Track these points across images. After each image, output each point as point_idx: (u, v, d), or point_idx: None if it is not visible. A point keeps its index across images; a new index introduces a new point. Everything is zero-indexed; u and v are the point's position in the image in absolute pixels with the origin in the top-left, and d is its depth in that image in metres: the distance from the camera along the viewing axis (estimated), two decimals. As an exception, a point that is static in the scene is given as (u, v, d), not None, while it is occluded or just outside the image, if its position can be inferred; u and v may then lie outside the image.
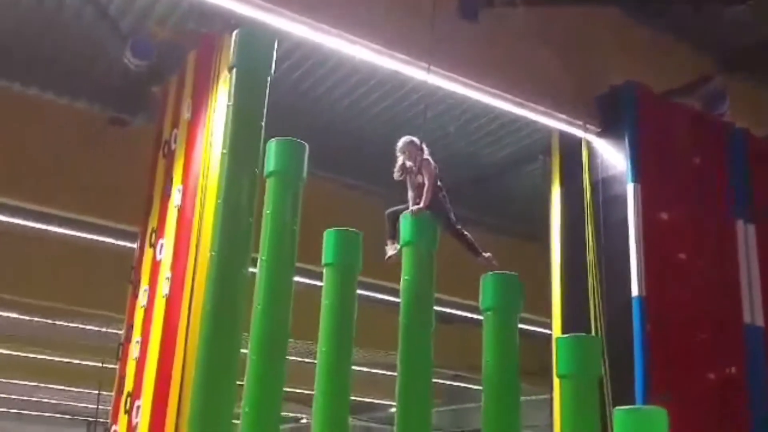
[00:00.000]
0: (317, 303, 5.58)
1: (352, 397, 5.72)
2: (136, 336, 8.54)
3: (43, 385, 23.28)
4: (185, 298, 7.50)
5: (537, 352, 9.20)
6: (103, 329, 15.97)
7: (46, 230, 11.79)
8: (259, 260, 4.92)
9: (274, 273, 4.89)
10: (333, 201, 11.00)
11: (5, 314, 16.02)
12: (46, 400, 25.82)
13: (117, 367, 9.16)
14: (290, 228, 4.97)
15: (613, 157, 9.22)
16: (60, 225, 11.62)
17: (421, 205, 6.07)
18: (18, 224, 11.56)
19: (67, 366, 20.46)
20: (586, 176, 9.20)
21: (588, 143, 9.38)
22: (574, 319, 8.80)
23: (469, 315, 13.07)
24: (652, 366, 8.26)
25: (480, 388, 5.68)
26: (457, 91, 8.76)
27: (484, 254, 6.38)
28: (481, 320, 5.77)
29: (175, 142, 8.87)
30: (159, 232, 8.67)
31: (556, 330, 9.05)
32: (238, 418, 4.60)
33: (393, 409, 5.84)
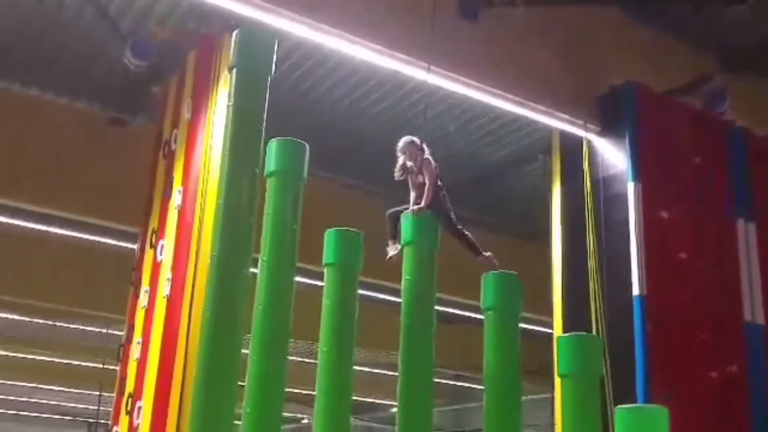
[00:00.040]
0: (318, 303, 5.58)
1: (354, 397, 5.72)
2: (137, 337, 8.54)
3: (43, 386, 23.27)
4: (186, 299, 7.50)
5: (538, 351, 9.20)
6: (104, 330, 15.96)
7: (46, 231, 11.79)
8: (260, 260, 4.92)
9: (274, 273, 4.89)
10: (333, 201, 10.99)
11: (6, 316, 16.02)
12: (46, 402, 25.80)
13: (118, 368, 9.16)
14: (291, 228, 4.97)
15: (613, 156, 9.22)
16: (60, 226, 11.61)
17: (422, 204, 6.07)
18: (18, 225, 11.56)
19: (67, 367, 20.46)
20: (586, 176, 9.20)
21: (588, 143, 9.38)
22: (575, 318, 8.81)
23: (471, 314, 13.06)
24: (653, 365, 8.27)
25: (482, 387, 5.68)
26: (457, 91, 8.76)
27: (484, 254, 6.38)
28: (482, 320, 5.77)
29: (175, 142, 8.87)
30: (160, 232, 8.67)
31: (557, 329, 9.05)
32: (239, 419, 4.60)
33: (394, 409, 5.84)
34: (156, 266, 8.53)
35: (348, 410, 5.50)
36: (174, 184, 8.52)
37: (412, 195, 6.29)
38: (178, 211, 8.24)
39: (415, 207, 6.09)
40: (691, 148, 9.52)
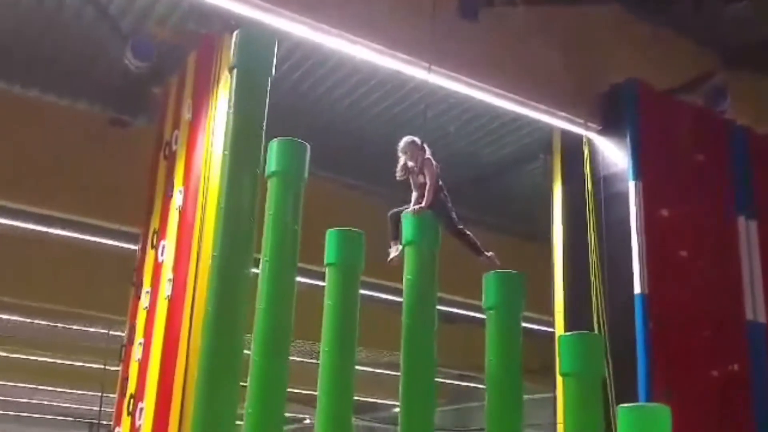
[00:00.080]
0: (319, 303, 5.58)
1: (355, 397, 5.72)
2: (139, 338, 8.55)
3: (45, 387, 23.26)
4: (187, 300, 7.50)
5: (540, 350, 9.21)
6: (105, 331, 15.96)
7: (47, 232, 11.78)
8: (261, 261, 4.92)
9: (276, 273, 4.89)
10: (333, 201, 10.99)
11: (7, 317, 16.01)
12: (48, 403, 25.80)
13: (120, 368, 9.16)
14: (292, 228, 4.97)
15: (614, 154, 9.22)
16: (61, 227, 11.61)
17: (423, 204, 6.07)
18: (19, 227, 11.56)
19: (69, 368, 20.46)
20: (587, 174, 9.19)
21: (589, 141, 9.38)
22: (577, 317, 8.81)
23: (472, 314, 13.05)
24: (655, 363, 8.27)
25: (484, 387, 5.67)
26: (457, 91, 8.76)
27: (486, 253, 6.37)
28: (483, 319, 5.77)
29: (176, 143, 8.87)
30: (161, 233, 8.67)
31: (559, 328, 9.05)
32: (241, 419, 4.60)
33: (396, 409, 5.83)
34: (157, 267, 8.53)
35: (350, 410, 5.50)
36: (175, 185, 8.53)
37: (414, 195, 6.28)
38: (180, 211, 8.24)
39: (416, 207, 6.08)
40: (692, 146, 9.52)
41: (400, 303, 5.84)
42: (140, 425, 7.88)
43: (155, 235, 8.85)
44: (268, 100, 4.99)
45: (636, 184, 8.86)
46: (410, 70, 8.30)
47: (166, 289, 8.06)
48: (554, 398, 8.40)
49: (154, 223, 9.00)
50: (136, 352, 8.50)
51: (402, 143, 6.42)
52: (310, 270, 7.69)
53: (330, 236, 5.69)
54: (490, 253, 6.38)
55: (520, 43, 9.02)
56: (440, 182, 6.30)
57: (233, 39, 5.08)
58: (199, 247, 7.52)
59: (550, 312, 9.33)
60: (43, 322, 16.33)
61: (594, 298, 8.64)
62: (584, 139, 9.36)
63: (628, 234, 8.71)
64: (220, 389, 4.42)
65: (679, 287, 8.84)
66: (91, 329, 16.56)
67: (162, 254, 8.46)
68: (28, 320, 16.19)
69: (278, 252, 4.91)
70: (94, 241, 12.16)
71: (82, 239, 12.09)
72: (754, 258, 9.57)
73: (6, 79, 9.87)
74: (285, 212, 4.99)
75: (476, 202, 11.36)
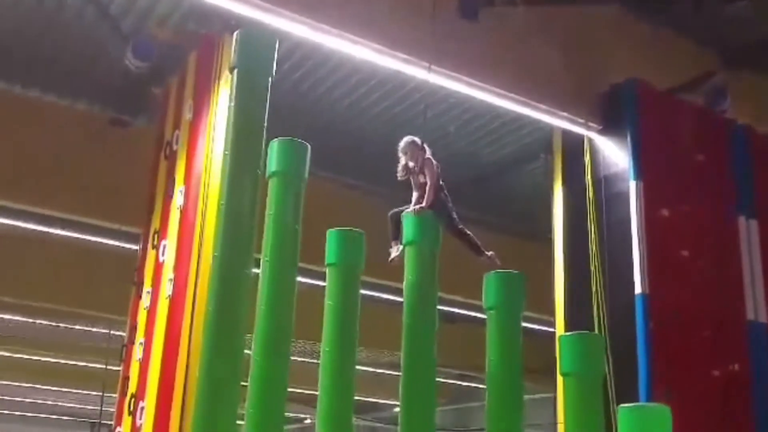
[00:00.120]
0: (320, 303, 5.58)
1: (356, 397, 5.72)
2: (140, 337, 8.55)
3: (46, 387, 23.28)
4: (188, 300, 7.51)
5: (540, 350, 9.19)
6: (107, 331, 15.97)
7: (47, 233, 11.78)
8: (261, 261, 4.92)
9: (276, 273, 4.89)
10: (333, 201, 10.99)
11: (7, 317, 16.02)
12: (49, 402, 25.81)
13: (121, 368, 9.17)
14: (292, 228, 4.97)
15: (615, 154, 9.21)
16: (61, 227, 11.61)
17: (423, 204, 6.07)
18: (19, 227, 11.56)
19: (70, 368, 20.47)
20: (588, 174, 9.20)
21: (590, 141, 9.38)
22: (577, 317, 8.80)
23: (473, 314, 13.05)
24: (656, 363, 8.26)
25: (484, 387, 5.67)
26: (458, 91, 8.76)
27: (486, 253, 6.37)
28: (484, 319, 5.77)
29: (176, 143, 8.87)
30: (162, 233, 8.68)
31: (559, 328, 9.05)
32: (241, 419, 4.60)
33: (397, 409, 5.83)
34: (158, 267, 8.54)
35: (350, 410, 5.50)
36: (176, 185, 8.53)
37: (415, 195, 6.28)
38: (180, 211, 8.25)
39: (417, 207, 6.08)
40: (692, 145, 9.52)
41: (400, 303, 5.84)
42: (141, 425, 7.89)
43: (156, 235, 8.86)
44: (268, 100, 4.99)
45: (636, 184, 8.86)
46: (410, 70, 8.30)
47: (167, 288, 8.06)
48: (555, 398, 8.40)
49: (155, 223, 9.01)
50: (137, 352, 8.51)
51: (402, 143, 6.41)
52: (311, 270, 7.69)
53: (330, 236, 5.69)
54: (490, 253, 6.38)
55: (520, 43, 9.02)
56: (441, 182, 6.30)
57: (234, 39, 5.08)
58: (200, 247, 7.52)
59: (551, 312, 9.33)
60: (45, 322, 16.34)
61: (595, 298, 8.64)
62: (585, 139, 9.36)
63: (628, 234, 8.71)
64: (221, 389, 4.42)
65: (680, 287, 8.84)
66: (93, 329, 16.57)
67: (163, 254, 8.47)
68: (30, 320, 16.20)
69: (279, 252, 4.91)
70: (95, 241, 12.16)
71: (83, 239, 12.09)
72: (754, 258, 9.57)
73: (6, 79, 9.88)
74: (285, 212, 4.99)
75: (476, 202, 11.36)
